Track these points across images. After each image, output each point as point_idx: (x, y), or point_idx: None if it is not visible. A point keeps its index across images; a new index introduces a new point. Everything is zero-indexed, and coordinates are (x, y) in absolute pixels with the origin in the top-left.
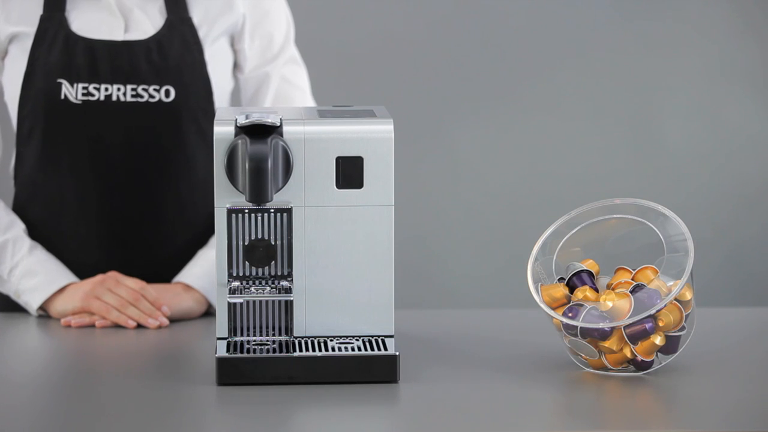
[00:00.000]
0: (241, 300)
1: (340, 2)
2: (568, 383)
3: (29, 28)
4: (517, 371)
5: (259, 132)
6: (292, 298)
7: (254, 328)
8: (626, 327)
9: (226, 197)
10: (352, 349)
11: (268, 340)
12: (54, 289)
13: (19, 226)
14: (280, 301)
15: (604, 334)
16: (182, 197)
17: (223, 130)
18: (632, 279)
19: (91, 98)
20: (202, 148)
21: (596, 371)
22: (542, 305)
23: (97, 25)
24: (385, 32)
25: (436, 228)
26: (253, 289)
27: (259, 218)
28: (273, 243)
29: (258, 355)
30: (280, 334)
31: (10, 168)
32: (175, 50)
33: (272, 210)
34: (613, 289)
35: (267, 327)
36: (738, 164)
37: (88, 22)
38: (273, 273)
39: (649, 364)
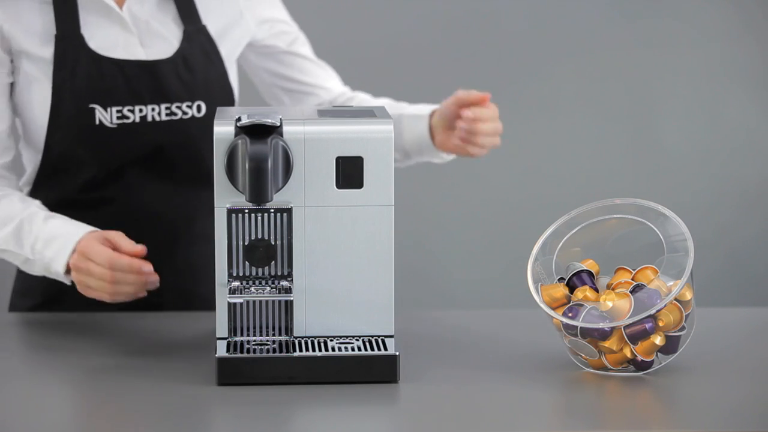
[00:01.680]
0: (241, 300)
1: (340, 2)
2: (568, 383)
3: (45, 48)
4: (517, 371)
5: (259, 132)
6: (292, 298)
7: (254, 328)
8: (626, 327)
9: (226, 197)
10: (352, 349)
11: (268, 340)
12: (69, 249)
13: (33, 203)
14: (280, 301)
15: (604, 334)
16: (212, 204)
17: (223, 130)
18: (632, 279)
19: (126, 120)
20: None
21: (596, 371)
22: (542, 305)
23: (113, 41)
24: (385, 32)
25: (436, 228)
26: (253, 289)
27: (259, 218)
28: (273, 243)
29: (258, 355)
30: (280, 334)
31: (21, 181)
32: (200, 64)
33: (272, 210)
34: (613, 289)
35: (267, 327)
36: (738, 164)
37: (104, 39)
38: (273, 273)
39: (649, 364)
